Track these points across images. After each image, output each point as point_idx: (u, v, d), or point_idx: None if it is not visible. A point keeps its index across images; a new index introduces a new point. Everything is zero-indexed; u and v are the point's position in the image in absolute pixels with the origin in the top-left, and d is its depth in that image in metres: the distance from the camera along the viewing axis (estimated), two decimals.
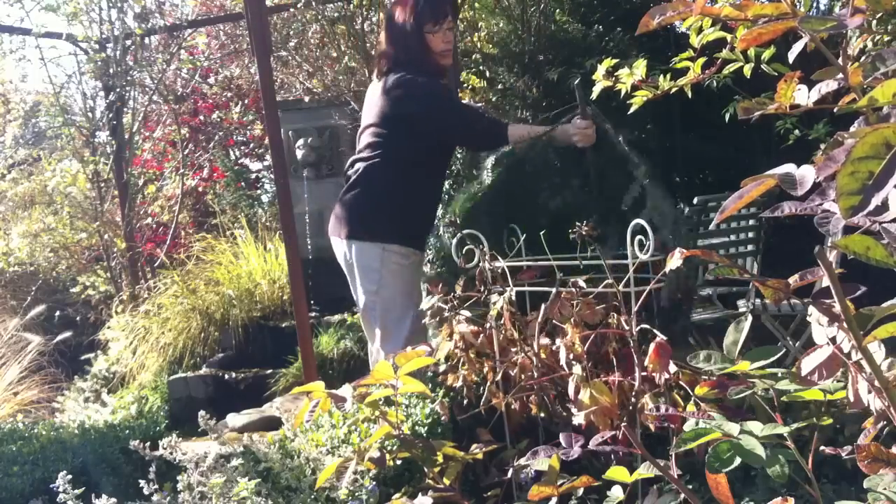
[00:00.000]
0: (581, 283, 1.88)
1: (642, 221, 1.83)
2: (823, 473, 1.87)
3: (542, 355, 1.92)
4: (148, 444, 2.08)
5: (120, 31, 5.47)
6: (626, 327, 1.67)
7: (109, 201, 5.91)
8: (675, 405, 1.60)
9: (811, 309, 1.08)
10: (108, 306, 5.68)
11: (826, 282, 0.93)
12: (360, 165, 2.80)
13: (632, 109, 1.92)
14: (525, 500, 1.53)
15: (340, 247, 2.83)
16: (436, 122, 2.72)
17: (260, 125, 6.97)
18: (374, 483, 1.96)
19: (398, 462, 2.01)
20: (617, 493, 1.36)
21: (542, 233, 2.04)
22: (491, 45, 5.31)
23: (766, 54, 1.79)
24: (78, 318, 6.30)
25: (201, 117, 7.11)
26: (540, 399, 1.94)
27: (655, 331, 1.60)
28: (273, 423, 3.51)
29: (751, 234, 3.97)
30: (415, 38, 2.68)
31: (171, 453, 2.05)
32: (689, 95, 1.87)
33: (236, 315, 4.61)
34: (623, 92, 1.89)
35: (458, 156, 3.06)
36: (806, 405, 1.66)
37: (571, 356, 1.82)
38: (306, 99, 4.95)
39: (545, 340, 1.95)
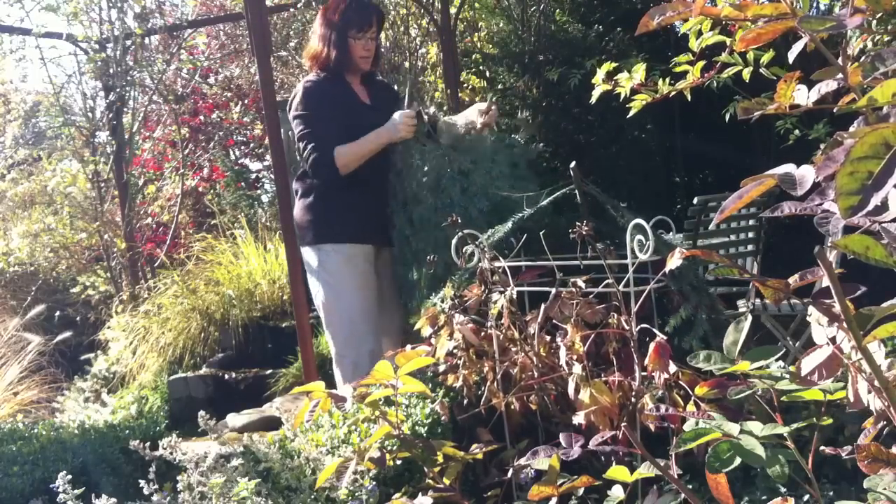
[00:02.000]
0: (581, 283, 1.88)
1: (641, 221, 1.83)
2: (823, 473, 1.87)
3: (542, 353, 1.92)
4: (148, 444, 2.08)
5: (120, 31, 5.47)
6: (626, 327, 1.68)
7: (109, 201, 5.91)
8: (675, 405, 1.60)
9: (811, 309, 1.08)
10: (108, 306, 5.67)
11: (826, 282, 0.93)
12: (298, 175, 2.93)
13: (631, 113, 1.91)
14: (525, 500, 1.53)
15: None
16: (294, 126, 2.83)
17: (260, 125, 6.96)
18: (374, 483, 1.96)
19: (398, 462, 2.00)
20: (617, 492, 1.36)
21: (541, 233, 2.04)
22: (491, 45, 5.31)
23: (766, 58, 1.79)
24: (78, 318, 6.29)
25: (201, 117, 7.11)
26: (540, 399, 1.94)
27: (655, 331, 1.60)
28: (273, 423, 3.51)
29: (751, 234, 3.97)
30: (339, 41, 2.82)
31: (171, 453, 2.04)
32: (689, 98, 1.86)
33: (236, 315, 4.61)
34: (623, 95, 1.88)
35: None
36: (806, 405, 1.66)
37: (572, 356, 1.82)
38: None
39: (545, 339, 1.95)
